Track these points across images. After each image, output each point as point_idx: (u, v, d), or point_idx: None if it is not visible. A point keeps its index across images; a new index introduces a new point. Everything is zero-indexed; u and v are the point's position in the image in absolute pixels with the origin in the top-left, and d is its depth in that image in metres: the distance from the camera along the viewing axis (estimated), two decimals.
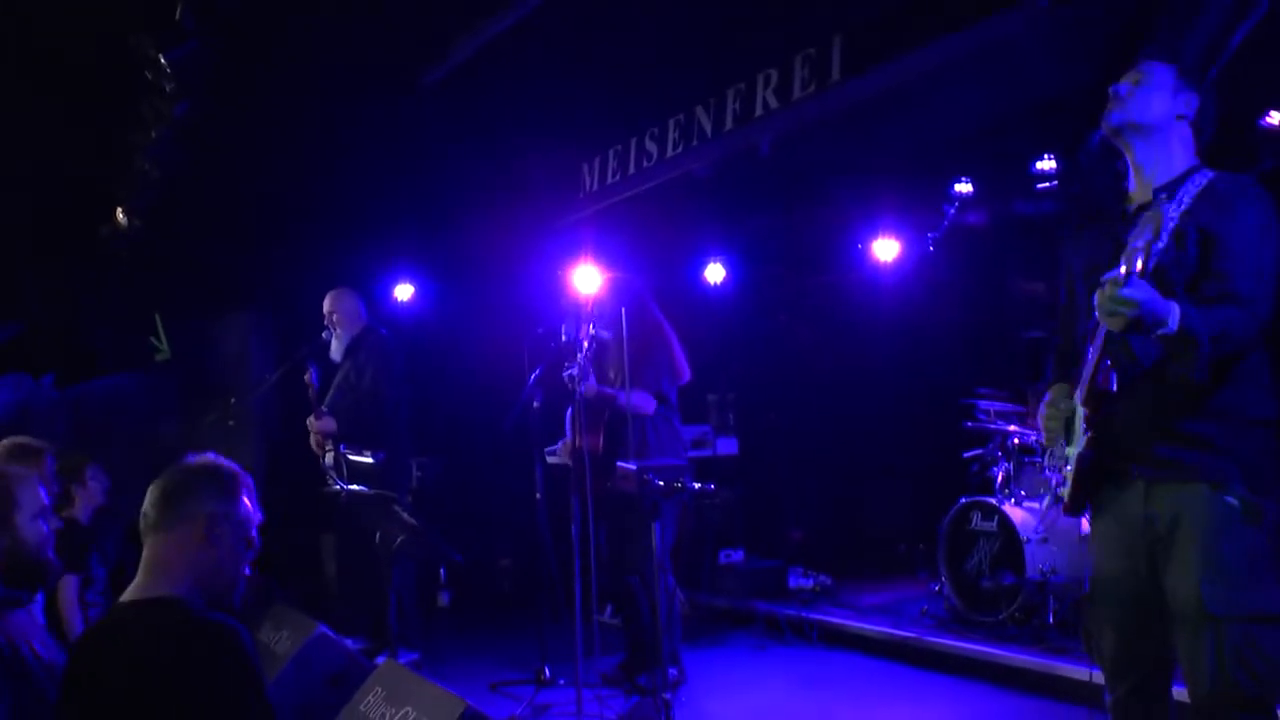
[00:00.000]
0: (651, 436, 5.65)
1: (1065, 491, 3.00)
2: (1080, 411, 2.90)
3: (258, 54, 5.99)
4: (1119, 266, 2.54)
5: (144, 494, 2.73)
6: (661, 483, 4.60)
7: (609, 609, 7.43)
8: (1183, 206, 2.77)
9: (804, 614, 6.86)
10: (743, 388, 9.01)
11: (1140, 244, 2.62)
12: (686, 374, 5.87)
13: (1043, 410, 3.13)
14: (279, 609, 4.50)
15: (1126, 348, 2.81)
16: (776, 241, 8.99)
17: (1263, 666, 2.59)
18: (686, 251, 8.92)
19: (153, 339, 9.22)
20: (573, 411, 5.79)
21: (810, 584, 7.57)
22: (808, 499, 9.17)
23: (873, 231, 8.08)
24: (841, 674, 6.09)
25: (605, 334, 5.23)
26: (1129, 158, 3.04)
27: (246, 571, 2.76)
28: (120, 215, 7.47)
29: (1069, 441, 3.01)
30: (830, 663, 6.32)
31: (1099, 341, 2.83)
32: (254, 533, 2.76)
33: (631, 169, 7.58)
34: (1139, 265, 2.52)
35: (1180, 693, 2.83)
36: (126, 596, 2.63)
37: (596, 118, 7.40)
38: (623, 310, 5.37)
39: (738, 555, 8.01)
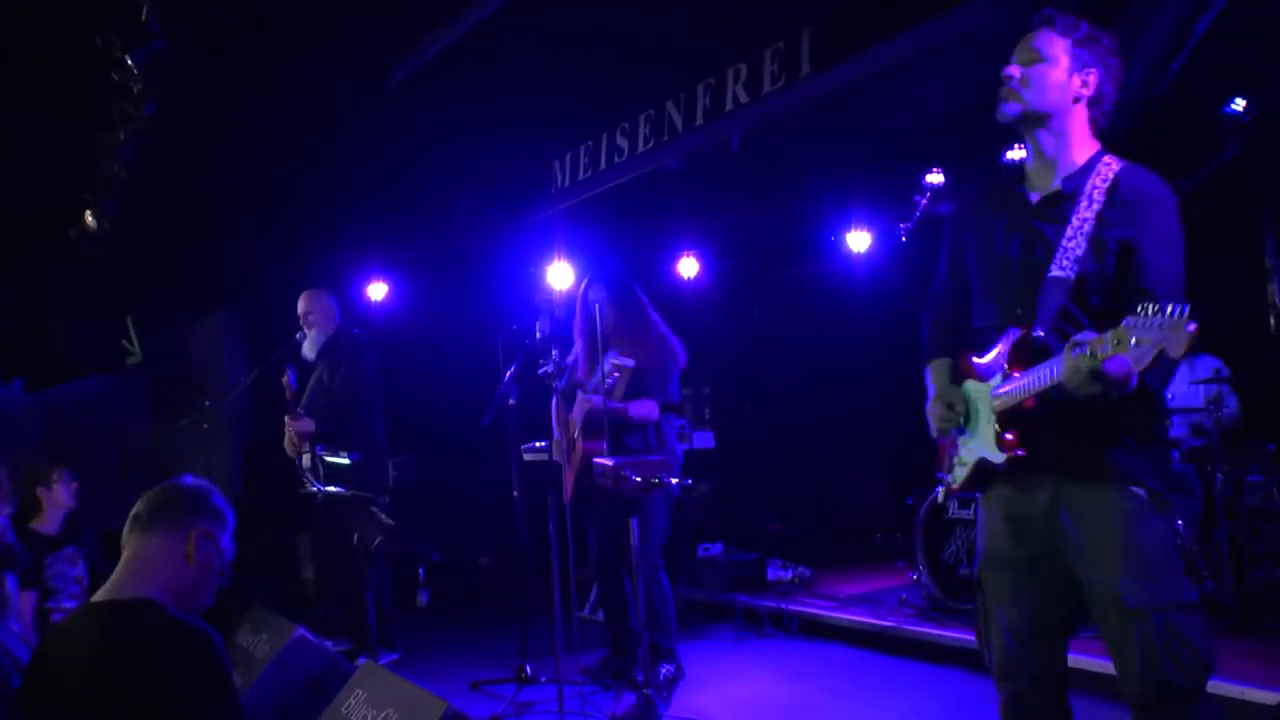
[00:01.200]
0: (654, 438, 5.64)
1: (957, 477, 2.94)
2: (987, 415, 2.82)
3: (226, 53, 5.94)
4: (1092, 337, 2.37)
5: (118, 498, 2.78)
6: (639, 478, 4.60)
7: (589, 605, 7.43)
8: (1094, 205, 2.71)
9: (783, 605, 6.89)
10: (718, 381, 9.04)
11: (1067, 248, 2.66)
12: (684, 359, 5.84)
13: (931, 407, 3.02)
14: (257, 612, 4.47)
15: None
16: (749, 234, 9.02)
17: (1188, 655, 2.58)
18: (659, 246, 8.93)
19: (124, 342, 9.16)
20: (556, 408, 5.79)
21: (789, 575, 7.60)
22: (785, 491, 9.20)
23: (845, 223, 8.14)
24: (822, 664, 6.11)
25: (629, 362, 5.16)
26: (1029, 144, 2.92)
27: (211, 600, 2.80)
28: (89, 217, 7.40)
29: (964, 429, 2.94)
30: (810, 653, 6.35)
31: (1011, 350, 2.77)
32: (227, 566, 2.82)
33: (603, 164, 7.58)
34: (1110, 342, 2.34)
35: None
36: (100, 595, 2.64)
37: (567, 114, 7.39)
38: (603, 302, 5.36)
39: (716, 549, 8.03)
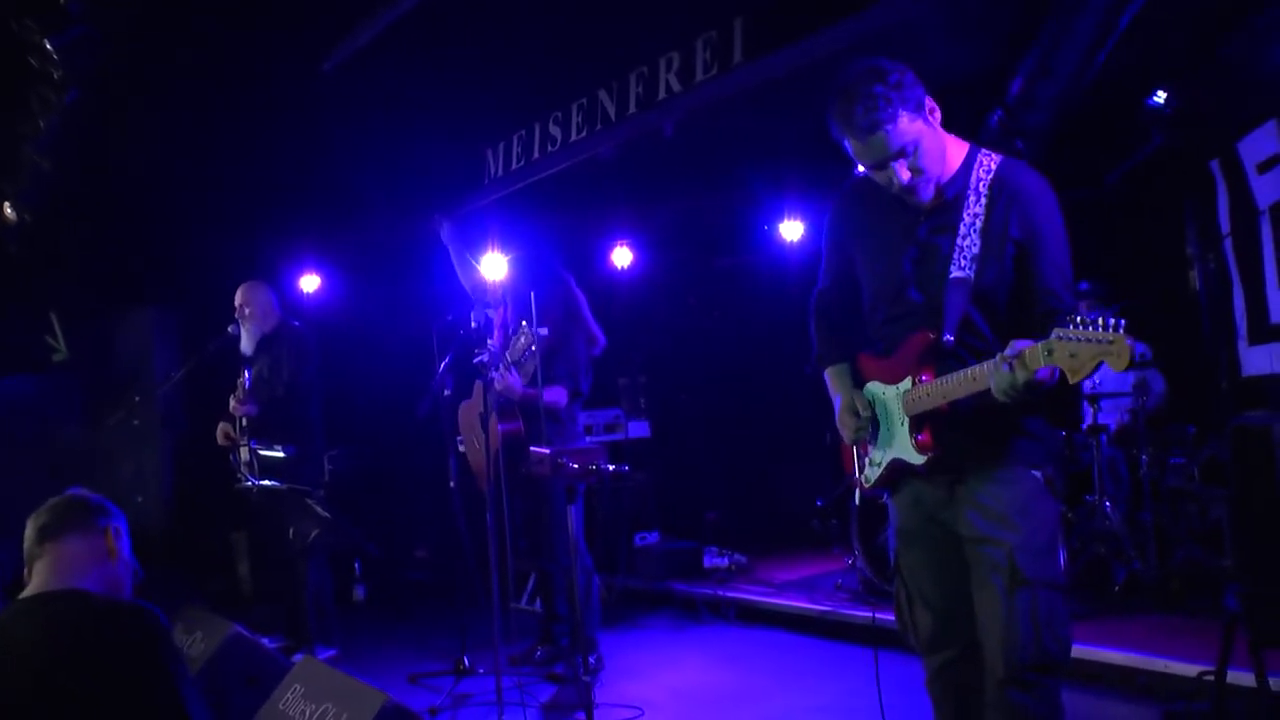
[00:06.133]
0: (565, 423, 5.67)
1: (868, 476, 3.06)
2: (899, 418, 2.90)
3: (151, 40, 5.83)
4: (1025, 348, 2.48)
5: (46, 499, 2.80)
6: (576, 465, 4.60)
7: (525, 596, 7.42)
8: (981, 200, 2.79)
9: (720, 593, 6.94)
10: (653, 371, 9.06)
11: (963, 246, 2.76)
12: (602, 341, 5.88)
13: (841, 418, 3.09)
14: (192, 610, 4.42)
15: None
16: (683, 223, 9.03)
17: (1062, 631, 2.75)
18: (593, 235, 8.92)
19: (49, 339, 8.95)
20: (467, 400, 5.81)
21: (726, 563, 7.65)
22: (721, 479, 9.25)
23: (779, 213, 8.19)
24: (759, 650, 6.17)
25: (542, 331, 5.17)
26: (916, 182, 2.89)
27: (130, 596, 2.84)
28: (8, 209, 7.22)
29: (875, 432, 3.03)
30: (747, 640, 6.41)
31: (920, 354, 2.83)
32: (135, 562, 2.88)
33: (536, 154, 7.57)
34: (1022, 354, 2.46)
35: None
36: (28, 593, 2.64)
37: (499, 103, 7.36)
38: (531, 294, 5.36)
39: (653, 537, 8.06)
